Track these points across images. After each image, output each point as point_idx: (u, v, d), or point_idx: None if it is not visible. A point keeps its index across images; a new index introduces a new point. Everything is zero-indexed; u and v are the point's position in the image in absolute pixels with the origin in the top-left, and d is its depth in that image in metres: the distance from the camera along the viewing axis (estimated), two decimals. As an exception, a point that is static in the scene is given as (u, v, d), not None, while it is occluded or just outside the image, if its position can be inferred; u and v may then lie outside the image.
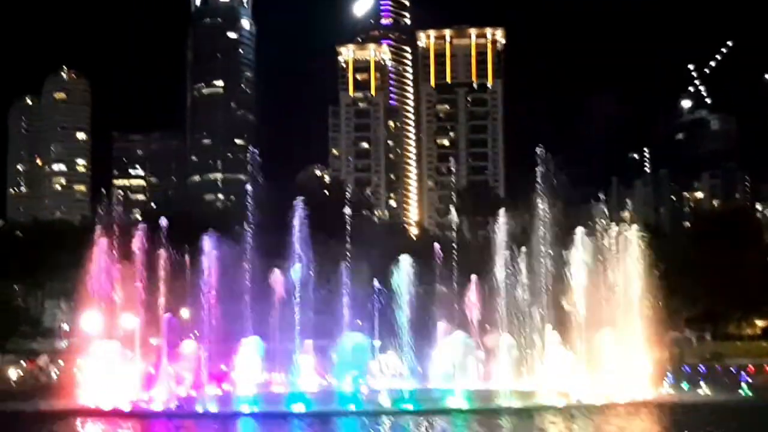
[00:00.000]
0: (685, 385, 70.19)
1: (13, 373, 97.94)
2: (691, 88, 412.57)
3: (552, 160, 77.20)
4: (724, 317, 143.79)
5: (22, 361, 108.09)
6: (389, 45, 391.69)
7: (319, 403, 58.40)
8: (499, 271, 71.96)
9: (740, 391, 63.94)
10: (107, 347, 63.94)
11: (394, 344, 79.80)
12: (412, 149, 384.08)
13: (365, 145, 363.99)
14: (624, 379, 65.68)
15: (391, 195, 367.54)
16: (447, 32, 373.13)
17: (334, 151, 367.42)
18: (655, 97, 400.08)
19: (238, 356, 73.84)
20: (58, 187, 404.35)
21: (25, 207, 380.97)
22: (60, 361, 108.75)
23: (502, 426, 45.35)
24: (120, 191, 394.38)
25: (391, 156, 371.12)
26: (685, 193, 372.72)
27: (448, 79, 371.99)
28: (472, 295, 76.49)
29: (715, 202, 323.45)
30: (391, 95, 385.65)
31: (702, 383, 68.11)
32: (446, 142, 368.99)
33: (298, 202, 72.99)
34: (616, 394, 60.85)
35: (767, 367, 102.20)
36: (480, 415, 49.64)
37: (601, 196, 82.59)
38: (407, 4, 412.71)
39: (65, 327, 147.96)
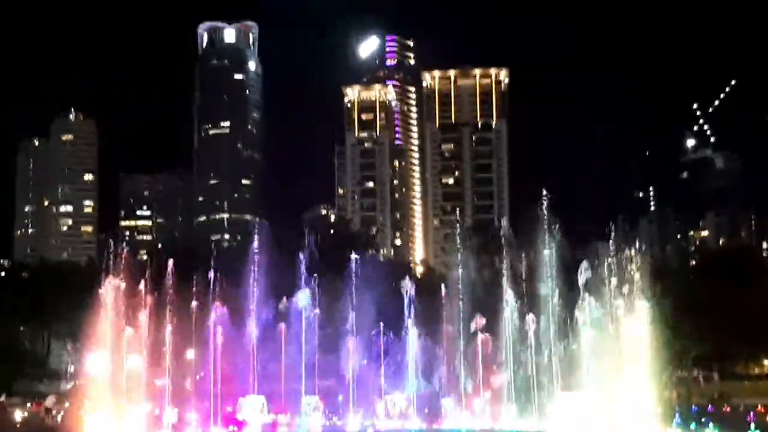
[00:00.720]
0: (693, 425, 69.73)
1: (18, 416, 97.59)
2: (695, 127, 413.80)
3: (557, 199, 77.51)
4: (731, 356, 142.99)
5: (28, 404, 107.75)
6: (394, 85, 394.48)
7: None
8: (505, 310, 71.90)
9: (748, 431, 63.53)
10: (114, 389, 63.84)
11: (400, 384, 79.64)
12: (418, 188, 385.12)
13: (371, 184, 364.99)
14: (632, 419, 65.32)
15: (397, 234, 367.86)
16: (451, 72, 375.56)
17: (340, 191, 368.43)
18: (660, 135, 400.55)
19: (245, 397, 73.94)
20: (65, 228, 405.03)
21: (32, 248, 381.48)
22: (66, 403, 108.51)
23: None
24: (127, 232, 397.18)
25: (396, 195, 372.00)
26: (691, 232, 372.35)
27: (453, 119, 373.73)
28: (478, 334, 76.30)
29: (721, 241, 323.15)
30: (397, 135, 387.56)
31: (710, 423, 67.65)
32: (451, 181, 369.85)
33: (304, 242, 73.23)
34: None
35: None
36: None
37: (609, 233, 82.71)
38: (412, 44, 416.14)
39: (71, 368, 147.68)
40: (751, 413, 77.38)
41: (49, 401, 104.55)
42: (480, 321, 74.16)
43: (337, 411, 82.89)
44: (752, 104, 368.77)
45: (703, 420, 74.11)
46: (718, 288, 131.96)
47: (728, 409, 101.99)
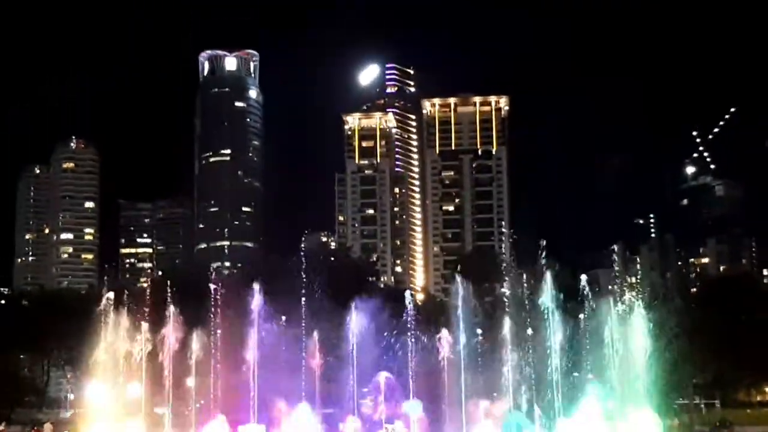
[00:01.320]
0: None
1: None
2: (695, 154, 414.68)
3: (557, 226, 77.67)
4: (733, 384, 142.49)
5: (32, 430, 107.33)
6: (394, 113, 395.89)
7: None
8: (506, 338, 71.74)
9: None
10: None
11: (401, 414, 79.27)
12: (418, 215, 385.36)
13: (371, 211, 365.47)
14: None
15: (397, 261, 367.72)
16: (451, 100, 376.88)
17: (340, 218, 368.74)
18: (660, 163, 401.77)
19: (245, 426, 73.63)
20: (66, 256, 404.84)
21: (33, 275, 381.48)
22: (65, 431, 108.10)
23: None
24: (127, 259, 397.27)
25: (396, 222, 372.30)
26: (692, 259, 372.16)
27: (453, 146, 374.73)
28: (479, 362, 76.05)
29: (722, 268, 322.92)
30: (397, 162, 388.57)
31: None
32: (451, 208, 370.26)
33: (305, 270, 73.17)
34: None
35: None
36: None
37: (609, 260, 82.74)
38: (412, 72, 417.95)
39: (71, 396, 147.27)
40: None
41: (47, 429, 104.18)
42: (479, 348, 73.94)
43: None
44: (752, 131, 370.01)
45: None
46: (720, 315, 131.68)
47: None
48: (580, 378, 75.65)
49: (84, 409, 73.17)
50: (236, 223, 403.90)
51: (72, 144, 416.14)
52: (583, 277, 74.56)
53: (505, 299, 75.72)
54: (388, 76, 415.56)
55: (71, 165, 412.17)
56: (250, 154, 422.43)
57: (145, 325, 67.41)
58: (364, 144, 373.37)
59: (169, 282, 78.91)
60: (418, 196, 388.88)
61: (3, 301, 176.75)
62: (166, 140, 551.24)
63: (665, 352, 71.67)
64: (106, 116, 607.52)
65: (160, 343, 69.12)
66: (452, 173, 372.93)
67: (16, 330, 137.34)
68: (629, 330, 72.56)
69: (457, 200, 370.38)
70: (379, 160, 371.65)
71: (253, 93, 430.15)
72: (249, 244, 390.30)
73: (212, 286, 71.92)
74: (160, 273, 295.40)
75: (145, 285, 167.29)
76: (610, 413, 67.64)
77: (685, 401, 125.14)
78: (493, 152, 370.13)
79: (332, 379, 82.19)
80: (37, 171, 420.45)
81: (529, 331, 75.87)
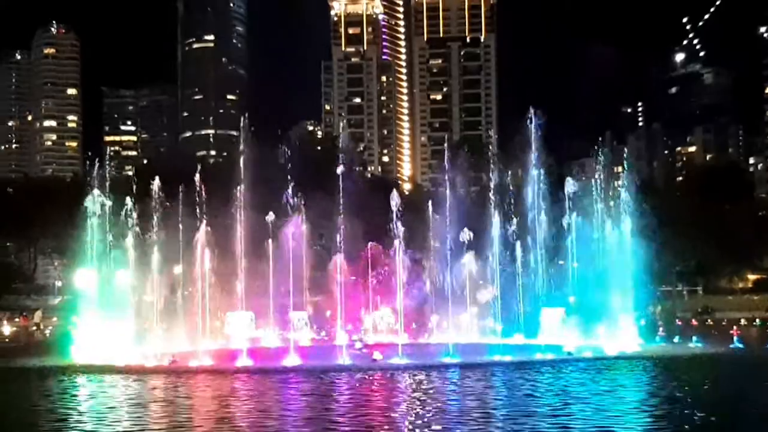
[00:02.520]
0: (676, 339, 70.60)
1: (7, 330, 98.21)
2: (684, 42, 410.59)
3: (545, 115, 77.11)
4: (716, 271, 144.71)
5: (15, 318, 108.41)
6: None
7: (314, 358, 58.57)
8: (493, 226, 71.95)
9: (732, 344, 64.30)
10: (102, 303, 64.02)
11: (388, 300, 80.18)
12: (405, 104, 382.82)
13: (358, 100, 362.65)
14: (615, 332, 66.08)
15: (384, 151, 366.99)
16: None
17: (327, 107, 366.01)
18: (649, 50, 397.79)
19: (231, 312, 74.35)
20: (50, 144, 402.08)
21: (16, 164, 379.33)
22: (54, 318, 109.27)
23: (493, 378, 45.61)
24: (111, 147, 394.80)
25: (383, 111, 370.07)
26: (678, 148, 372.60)
27: (441, 33, 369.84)
28: (465, 250, 76.46)
29: (708, 157, 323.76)
30: (384, 50, 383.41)
31: (693, 337, 68.48)
32: (439, 97, 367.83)
33: (291, 158, 72.68)
34: (607, 347, 61.16)
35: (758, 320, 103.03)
36: (469, 370, 49.81)
37: (597, 149, 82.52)
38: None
39: (58, 284, 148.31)
40: (734, 326, 78.38)
41: (37, 316, 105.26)
42: (465, 237, 74.17)
43: (325, 326, 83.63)
44: (743, 18, 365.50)
45: (686, 333, 75.05)
46: (705, 204, 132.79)
47: (711, 323, 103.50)
48: (564, 266, 76.31)
49: (72, 296, 73.59)
50: (221, 111, 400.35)
51: (53, 29, 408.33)
52: (569, 180, 74.41)
53: (492, 188, 75.57)
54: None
55: (52, 51, 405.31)
56: (235, 41, 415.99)
57: (131, 213, 67.09)
58: (350, 31, 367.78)
59: (154, 169, 78.44)
60: (405, 84, 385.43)
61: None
62: (148, 26, 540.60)
63: (649, 240, 72.10)
64: (86, 0, 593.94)
65: (147, 231, 69.06)
66: (440, 61, 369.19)
67: (2, 218, 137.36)
68: (613, 218, 73.00)
69: (444, 89, 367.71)
70: (365, 48, 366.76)
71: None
72: (234, 133, 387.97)
73: (198, 176, 71.46)
74: (145, 161, 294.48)
75: (130, 173, 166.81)
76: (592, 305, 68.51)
77: (668, 288, 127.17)
78: (482, 40, 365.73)
79: (319, 268, 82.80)
80: (18, 57, 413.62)
81: (515, 221, 76.15)
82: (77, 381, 47.60)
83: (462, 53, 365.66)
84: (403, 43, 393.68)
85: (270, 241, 72.39)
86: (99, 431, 29.46)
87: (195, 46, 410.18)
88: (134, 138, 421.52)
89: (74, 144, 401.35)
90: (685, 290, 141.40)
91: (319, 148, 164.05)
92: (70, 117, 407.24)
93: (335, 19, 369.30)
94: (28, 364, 56.06)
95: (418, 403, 35.67)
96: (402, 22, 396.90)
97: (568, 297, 72.36)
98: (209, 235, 66.32)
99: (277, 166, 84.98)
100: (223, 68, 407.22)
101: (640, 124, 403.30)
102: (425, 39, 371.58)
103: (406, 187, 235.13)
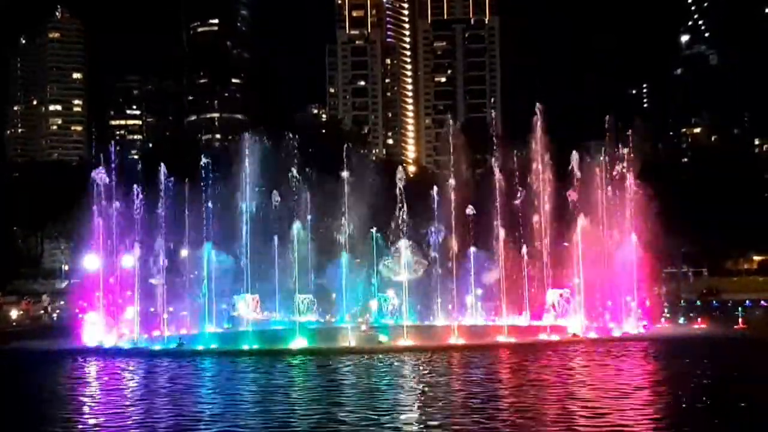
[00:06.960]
0: (681, 320, 70.82)
1: (15, 313, 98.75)
2: (689, 22, 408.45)
3: (550, 97, 76.97)
4: (722, 253, 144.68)
5: (23, 302, 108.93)
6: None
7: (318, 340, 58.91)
8: (497, 209, 72.05)
9: (736, 325, 64.54)
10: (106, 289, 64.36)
11: (394, 283, 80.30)
12: (410, 87, 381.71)
13: (362, 83, 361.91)
14: (621, 314, 66.32)
15: (389, 133, 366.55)
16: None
17: (331, 90, 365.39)
18: (655, 31, 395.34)
19: (236, 296, 74.69)
20: (55, 128, 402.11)
21: (22, 148, 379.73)
22: (61, 302, 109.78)
23: (498, 359, 45.97)
24: (117, 131, 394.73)
25: (388, 94, 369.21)
26: (684, 129, 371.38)
27: (445, 16, 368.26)
28: (471, 232, 76.57)
29: (714, 138, 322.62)
30: (388, 32, 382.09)
31: (698, 318, 68.71)
32: (443, 80, 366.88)
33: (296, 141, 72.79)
34: (613, 328, 61.48)
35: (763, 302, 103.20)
36: (476, 351, 50.18)
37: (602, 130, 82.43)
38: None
39: (65, 267, 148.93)
40: (739, 308, 78.55)
41: (45, 299, 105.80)
42: (470, 218, 74.27)
43: (330, 309, 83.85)
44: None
45: (691, 314, 75.26)
46: (711, 186, 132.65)
47: (716, 304, 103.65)
48: (570, 248, 76.36)
49: (80, 280, 73.80)
50: (226, 94, 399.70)
51: (57, 14, 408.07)
52: (574, 153, 74.25)
53: (496, 170, 75.43)
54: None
55: (57, 35, 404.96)
56: (239, 24, 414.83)
57: (138, 197, 67.29)
58: (354, 13, 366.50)
59: (160, 153, 78.53)
60: (409, 67, 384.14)
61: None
62: (152, 9, 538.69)
63: (655, 221, 72.14)
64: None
65: (153, 215, 69.24)
66: (444, 44, 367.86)
67: (9, 202, 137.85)
68: (618, 200, 73.05)
69: (449, 71, 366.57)
70: (370, 31, 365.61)
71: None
72: (239, 116, 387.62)
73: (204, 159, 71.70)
74: (150, 145, 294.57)
75: (136, 157, 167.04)
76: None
77: (673, 270, 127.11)
78: (486, 22, 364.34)
79: (324, 251, 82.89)
80: (24, 41, 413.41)
81: (519, 203, 76.21)
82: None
83: (466, 35, 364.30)
84: (407, 26, 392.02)
85: (274, 222, 72.57)
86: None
87: (199, 29, 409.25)
88: (139, 122, 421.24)
89: (80, 128, 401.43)
90: (691, 272, 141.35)
91: (323, 131, 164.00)
92: (76, 101, 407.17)
93: (339, 1, 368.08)
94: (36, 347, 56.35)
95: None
96: (406, 5, 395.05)
97: (574, 278, 72.50)
98: (215, 218, 66.55)
99: (282, 150, 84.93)
100: (228, 51, 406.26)
101: (645, 105, 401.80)
102: (429, 21, 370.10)
103: (411, 169, 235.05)
